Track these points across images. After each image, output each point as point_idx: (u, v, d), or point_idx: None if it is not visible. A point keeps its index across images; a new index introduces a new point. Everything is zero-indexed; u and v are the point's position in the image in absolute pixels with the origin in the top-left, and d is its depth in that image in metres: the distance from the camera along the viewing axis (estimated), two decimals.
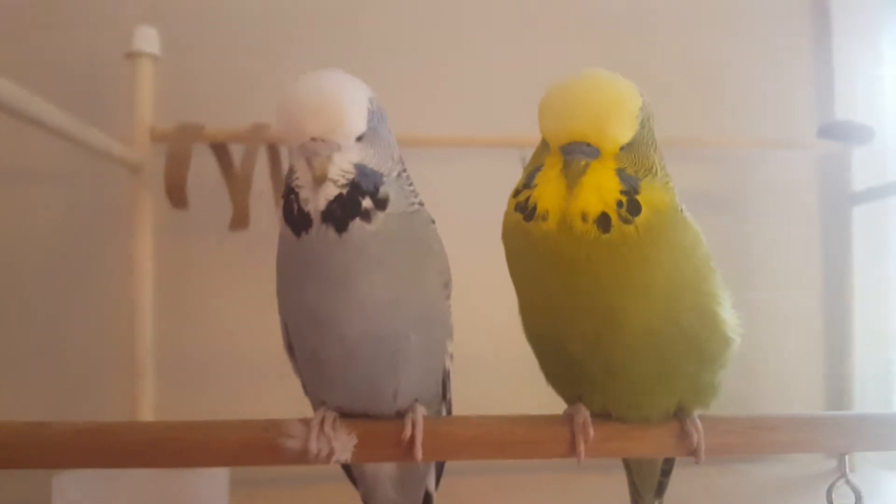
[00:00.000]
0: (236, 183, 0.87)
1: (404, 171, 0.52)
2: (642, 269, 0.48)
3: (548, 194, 0.48)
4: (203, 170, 0.88)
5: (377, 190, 0.48)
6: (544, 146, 0.51)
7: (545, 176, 0.49)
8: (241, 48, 0.95)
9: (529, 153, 0.53)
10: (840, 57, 1.09)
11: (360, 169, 0.48)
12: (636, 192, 0.48)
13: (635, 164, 0.49)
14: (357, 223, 0.47)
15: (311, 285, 0.48)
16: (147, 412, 0.88)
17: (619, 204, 0.48)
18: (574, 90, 0.48)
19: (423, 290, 0.51)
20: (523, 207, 0.49)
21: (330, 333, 0.49)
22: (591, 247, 0.47)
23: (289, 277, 0.50)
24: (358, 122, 0.47)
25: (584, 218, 0.47)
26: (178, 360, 0.93)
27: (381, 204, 0.48)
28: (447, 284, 0.54)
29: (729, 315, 0.52)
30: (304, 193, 0.47)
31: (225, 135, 0.87)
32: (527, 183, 0.50)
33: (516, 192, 0.51)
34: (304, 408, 0.54)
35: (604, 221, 0.47)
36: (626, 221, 0.47)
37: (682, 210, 0.50)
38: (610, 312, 0.48)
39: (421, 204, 0.52)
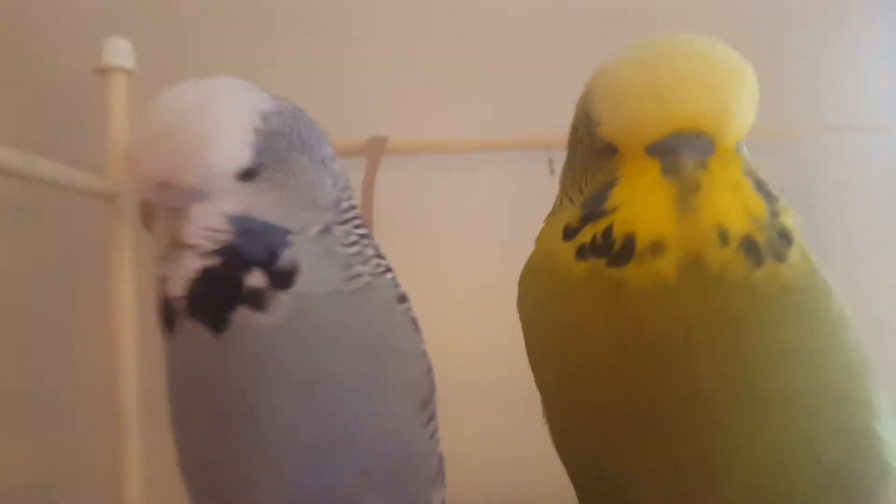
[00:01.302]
0: None
1: (347, 221, 0.36)
2: (782, 350, 0.32)
3: (652, 216, 0.32)
4: None
5: (275, 256, 0.32)
6: (603, 156, 0.36)
7: (632, 191, 0.33)
8: (224, 60, 0.85)
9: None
10: None
11: (243, 225, 0.32)
12: (778, 212, 0.33)
13: (753, 174, 0.35)
14: (242, 314, 0.31)
15: (193, 418, 0.32)
16: (132, 463, 0.78)
17: (766, 225, 0.33)
18: (668, 60, 0.34)
19: (383, 420, 0.34)
20: (604, 245, 0.33)
21: (232, 499, 0.32)
22: (728, 294, 0.31)
23: (171, 405, 0.34)
24: (228, 153, 0.32)
25: (722, 237, 0.32)
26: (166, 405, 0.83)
27: (282, 279, 0.32)
28: (426, 403, 0.36)
29: (891, 431, 0.35)
30: (163, 270, 0.32)
31: None
32: (593, 210, 0.34)
33: (571, 231, 0.35)
34: None
35: (752, 248, 0.32)
36: (778, 257, 0.32)
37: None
38: (713, 432, 0.32)
39: (383, 272, 0.36)
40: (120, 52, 0.78)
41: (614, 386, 0.33)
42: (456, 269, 0.80)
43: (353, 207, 0.37)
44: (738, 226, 0.32)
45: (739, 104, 0.34)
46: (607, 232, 0.33)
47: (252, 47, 0.84)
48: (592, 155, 0.37)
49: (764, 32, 0.91)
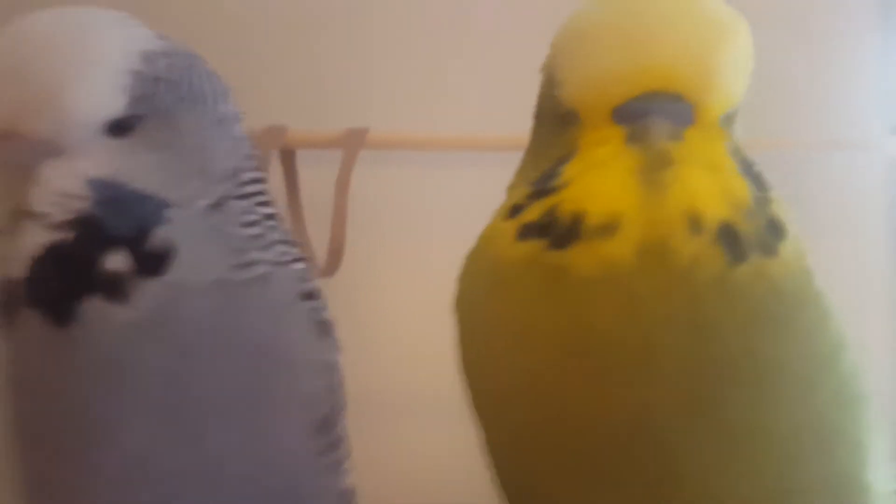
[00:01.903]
0: None
1: (247, 196, 0.30)
2: (765, 368, 0.25)
3: (607, 191, 0.27)
4: None
5: (144, 234, 0.26)
6: (564, 126, 0.30)
7: (588, 163, 0.28)
8: (194, 38, 0.79)
9: None
10: None
11: (106, 192, 0.26)
12: (769, 199, 0.28)
13: (740, 153, 0.30)
14: (94, 305, 0.25)
15: (29, 433, 0.26)
16: None
17: (752, 211, 0.27)
18: (644, 5, 0.28)
19: (262, 446, 0.27)
20: (546, 224, 0.27)
21: None
22: (699, 294, 0.25)
23: (9, 415, 0.28)
24: (93, 98, 0.25)
25: (693, 224, 0.26)
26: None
27: (151, 263, 0.26)
28: (326, 426, 0.30)
29: (881, 481, 0.29)
30: (1, 246, 0.26)
31: None
32: (543, 187, 0.28)
33: (513, 210, 0.29)
34: None
35: (731, 238, 0.26)
36: (767, 250, 0.27)
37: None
38: (672, 472, 0.25)
39: (289, 262, 0.30)
40: None
41: (552, 404, 0.27)
42: (433, 273, 0.75)
43: (259, 181, 0.32)
44: (714, 211, 0.26)
45: (728, 65, 0.28)
46: (552, 209, 0.28)
47: (224, 29, 0.79)
48: (554, 126, 0.31)
49: (755, 45, 0.90)
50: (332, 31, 0.79)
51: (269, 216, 0.32)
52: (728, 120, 0.30)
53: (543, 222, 0.28)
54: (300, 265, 0.33)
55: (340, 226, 0.69)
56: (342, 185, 0.69)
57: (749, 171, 0.29)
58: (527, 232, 0.28)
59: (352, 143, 0.70)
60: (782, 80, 0.90)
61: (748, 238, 0.27)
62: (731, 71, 0.29)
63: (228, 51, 0.80)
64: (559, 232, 0.27)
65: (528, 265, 0.28)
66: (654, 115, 0.27)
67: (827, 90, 0.91)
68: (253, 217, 0.31)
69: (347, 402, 0.33)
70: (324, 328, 0.32)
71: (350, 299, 0.74)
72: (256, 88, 0.78)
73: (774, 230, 0.28)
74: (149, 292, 0.26)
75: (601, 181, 0.27)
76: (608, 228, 0.26)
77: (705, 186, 0.27)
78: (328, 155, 0.71)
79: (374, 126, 0.72)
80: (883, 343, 0.91)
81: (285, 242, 0.32)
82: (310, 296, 0.32)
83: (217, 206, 0.29)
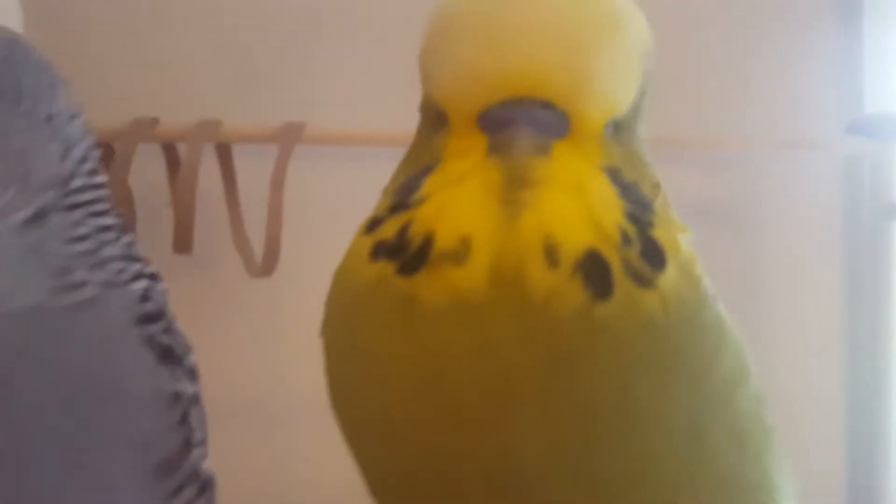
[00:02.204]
0: (177, 194, 0.70)
1: (78, 206, 0.27)
2: (640, 411, 0.23)
3: (460, 211, 0.24)
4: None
5: None
6: (435, 128, 0.27)
7: (448, 177, 0.25)
8: (128, 28, 0.76)
9: None
10: (871, 40, 0.91)
11: None
12: (649, 221, 0.25)
13: (631, 167, 0.27)
14: None
15: None
16: None
17: (625, 235, 0.24)
18: None
19: (90, 493, 0.24)
20: (398, 245, 0.25)
21: None
22: (558, 332, 0.23)
23: None
24: None
25: (550, 254, 0.23)
26: None
27: None
28: (170, 467, 0.27)
29: None
30: None
31: (108, 135, 0.69)
32: (402, 200, 0.26)
33: (372, 224, 0.27)
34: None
35: (594, 271, 0.23)
36: (642, 281, 0.24)
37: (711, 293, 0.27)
38: None
39: (129, 280, 0.27)
40: (8, 16, 0.70)
41: (411, 440, 0.25)
42: None
43: (97, 187, 0.28)
44: (575, 240, 0.24)
45: (612, 67, 0.25)
46: (405, 228, 0.25)
47: (156, 19, 0.76)
48: (429, 125, 0.28)
49: (706, 41, 0.88)
50: (270, 25, 0.77)
51: (106, 228, 0.29)
52: (618, 128, 0.27)
53: (395, 243, 0.25)
54: (142, 283, 0.29)
55: (276, 224, 0.67)
56: (277, 182, 0.67)
57: (629, 190, 0.26)
58: (379, 251, 0.26)
59: (287, 138, 0.67)
60: (738, 79, 0.89)
61: (617, 269, 0.24)
62: (616, 73, 0.25)
63: (166, 45, 0.79)
64: (408, 255, 0.25)
65: (378, 290, 0.25)
66: (517, 124, 0.24)
67: (783, 90, 0.90)
68: (83, 230, 0.28)
69: (207, 436, 0.31)
70: (167, 354, 0.29)
71: (288, 298, 0.73)
72: (191, 82, 0.76)
73: (653, 258, 0.25)
74: None
75: (456, 200, 0.24)
76: (458, 254, 0.24)
77: (568, 211, 0.24)
78: (270, 150, 0.69)
79: (312, 121, 0.70)
80: (837, 339, 0.90)
81: (126, 258, 0.29)
82: (150, 318, 0.29)
83: (37, 219, 0.26)
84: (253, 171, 0.70)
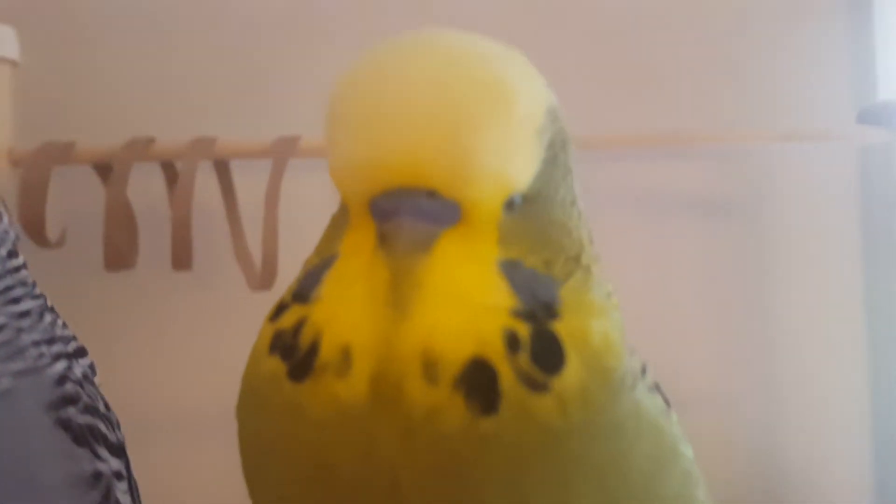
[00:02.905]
0: (174, 210, 0.70)
1: (2, 290, 0.27)
2: None
3: (346, 318, 0.24)
4: (87, 197, 0.71)
5: None
6: (343, 208, 0.27)
7: (340, 275, 0.25)
8: (123, 48, 0.77)
9: None
10: (882, 28, 0.88)
11: None
12: (551, 312, 0.24)
13: (541, 245, 0.25)
14: None
15: None
16: None
17: (512, 340, 0.23)
18: (398, 72, 0.24)
19: None
20: (289, 347, 0.24)
21: None
22: (443, 448, 0.22)
23: None
24: None
25: (428, 370, 0.23)
26: None
27: None
28: None
29: None
30: None
31: (106, 153, 0.70)
32: (302, 290, 0.26)
33: (277, 310, 0.26)
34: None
35: (478, 383, 0.23)
36: (535, 386, 0.23)
37: (640, 375, 0.26)
38: None
39: (48, 364, 0.28)
40: (3, 41, 0.71)
41: None
42: None
43: (14, 271, 0.28)
44: (455, 352, 0.22)
45: (500, 143, 0.23)
46: (300, 326, 0.24)
47: (151, 36, 0.77)
48: (342, 204, 0.27)
49: (713, 32, 0.86)
50: (263, 37, 0.77)
51: (23, 314, 0.29)
52: (527, 200, 0.25)
53: (289, 341, 0.24)
54: (61, 365, 0.29)
55: (272, 238, 0.67)
56: (272, 196, 0.67)
57: (527, 281, 0.24)
58: (276, 346, 0.25)
59: (281, 152, 0.68)
60: (749, 71, 0.87)
61: (506, 377, 0.23)
62: (507, 149, 0.23)
63: (159, 63, 0.79)
64: (297, 359, 0.24)
65: (271, 387, 0.25)
66: (400, 216, 0.23)
67: (794, 81, 0.88)
68: None
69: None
70: (86, 434, 0.29)
71: None
72: (187, 98, 0.77)
73: (548, 359, 0.23)
74: None
75: (344, 305, 0.24)
76: (339, 365, 0.23)
77: (448, 319, 0.23)
78: (266, 164, 0.69)
79: (308, 134, 0.70)
80: (858, 334, 0.88)
81: (46, 342, 0.29)
82: (67, 401, 0.29)
83: None
84: (249, 185, 0.70)
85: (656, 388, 0.27)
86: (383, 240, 0.23)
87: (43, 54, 0.74)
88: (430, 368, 0.22)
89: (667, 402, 0.28)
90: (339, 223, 0.27)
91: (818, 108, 0.87)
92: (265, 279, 0.68)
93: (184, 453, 0.73)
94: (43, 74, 0.75)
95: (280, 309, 0.26)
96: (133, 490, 0.31)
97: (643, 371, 0.27)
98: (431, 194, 0.23)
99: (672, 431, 0.27)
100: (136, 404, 0.74)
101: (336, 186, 0.26)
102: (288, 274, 0.68)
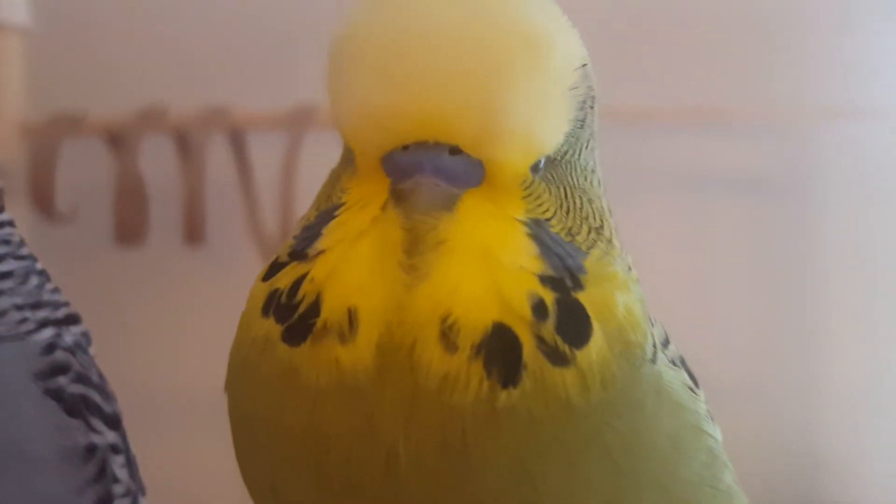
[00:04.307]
0: (186, 183, 0.68)
1: None
2: (566, 498, 0.21)
3: (351, 276, 0.22)
4: (97, 169, 0.69)
5: None
6: (346, 158, 0.25)
7: (345, 230, 0.22)
8: (139, 14, 0.75)
9: None
10: None
11: None
12: (576, 282, 0.22)
13: (564, 212, 0.23)
14: None
15: None
16: None
17: (539, 307, 0.21)
18: (414, 11, 0.21)
19: None
20: (287, 305, 0.22)
21: None
22: (455, 422, 0.21)
23: None
24: None
25: (446, 336, 0.21)
26: None
27: None
28: None
29: None
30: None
31: (117, 124, 0.68)
32: (304, 245, 0.23)
33: (270, 270, 0.24)
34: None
35: (500, 352, 0.21)
36: (558, 359, 0.21)
37: (661, 350, 0.24)
38: None
39: (32, 331, 0.27)
40: (13, 6, 0.68)
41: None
42: None
43: None
44: (476, 318, 0.21)
45: (533, 102, 0.21)
46: (298, 284, 0.22)
47: (165, 3, 0.75)
48: (344, 154, 0.25)
49: (760, 9, 0.83)
50: (278, 3, 0.75)
51: (3, 275, 0.27)
52: (551, 164, 0.23)
53: (285, 300, 0.22)
54: (48, 332, 0.28)
55: (287, 211, 0.65)
56: (288, 171, 0.64)
57: (554, 246, 0.22)
58: (270, 305, 0.23)
59: (298, 123, 0.65)
60: (796, 47, 0.83)
61: (528, 348, 0.21)
62: (539, 109, 0.22)
63: (171, 31, 0.77)
64: (295, 321, 0.22)
65: (264, 351, 0.23)
66: (420, 173, 0.21)
67: (841, 57, 0.84)
68: None
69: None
70: (79, 404, 0.27)
71: None
72: (199, 66, 0.74)
73: (573, 331, 0.21)
74: None
75: (350, 261, 0.22)
76: (343, 329, 0.21)
77: (471, 282, 0.21)
78: (282, 134, 0.67)
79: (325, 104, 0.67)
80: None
81: (31, 306, 0.27)
82: (56, 370, 0.27)
83: None
84: (264, 156, 0.67)
85: (681, 362, 0.26)
86: (399, 197, 0.21)
87: (54, 25, 0.72)
88: (448, 334, 0.21)
89: (693, 378, 0.26)
90: (339, 174, 0.25)
91: (865, 85, 0.84)
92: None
93: (193, 433, 0.70)
94: (57, 42, 0.73)
95: (274, 267, 0.24)
96: (131, 464, 0.29)
97: (665, 343, 0.25)
98: (454, 151, 0.21)
99: (696, 409, 0.25)
100: (145, 382, 0.73)
101: (343, 135, 0.24)
102: None
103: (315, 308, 0.22)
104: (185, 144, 0.68)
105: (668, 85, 0.76)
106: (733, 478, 0.26)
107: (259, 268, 0.69)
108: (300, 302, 0.22)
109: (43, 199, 0.66)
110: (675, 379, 0.24)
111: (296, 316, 0.22)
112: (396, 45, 0.21)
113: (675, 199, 0.77)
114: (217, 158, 0.66)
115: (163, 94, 0.68)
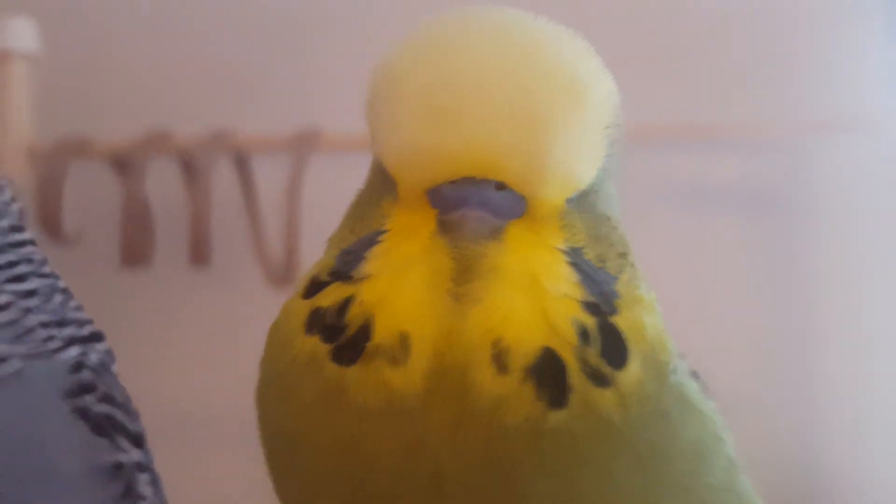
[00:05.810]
0: (192, 205, 0.69)
1: (6, 265, 0.26)
2: None
3: (403, 302, 0.23)
4: (103, 191, 0.70)
5: None
6: (385, 185, 0.25)
7: (393, 256, 0.23)
8: (144, 40, 0.76)
9: None
10: None
11: None
12: (611, 308, 0.24)
13: (594, 240, 0.25)
14: None
15: None
16: None
17: (583, 332, 0.23)
18: (462, 57, 0.23)
19: None
20: (333, 327, 0.23)
21: None
22: (505, 442, 0.22)
23: None
24: None
25: (499, 359, 0.22)
26: None
27: None
28: None
29: None
30: None
31: (123, 147, 0.69)
32: (347, 266, 0.24)
33: (311, 287, 0.25)
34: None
35: (548, 375, 0.22)
36: (600, 381, 0.23)
37: (679, 359, 0.26)
38: None
39: (59, 349, 0.27)
40: (22, 34, 0.70)
41: None
42: None
43: (19, 245, 0.27)
44: (527, 342, 0.22)
45: (574, 143, 0.23)
46: (346, 304, 0.23)
47: (170, 27, 0.75)
48: (380, 179, 0.25)
49: (752, 19, 0.84)
50: (284, 24, 0.76)
51: (29, 293, 0.27)
52: (582, 196, 0.24)
53: (332, 320, 0.23)
54: (74, 350, 0.28)
55: (293, 234, 0.65)
56: (293, 194, 0.65)
57: (591, 272, 0.24)
58: (315, 324, 0.24)
59: (303, 146, 0.66)
60: (790, 61, 0.84)
61: (574, 371, 0.22)
62: (579, 149, 0.23)
63: (177, 55, 0.78)
64: (344, 341, 0.23)
65: (309, 368, 0.23)
66: (469, 206, 0.22)
67: (832, 71, 0.85)
68: (2, 299, 0.26)
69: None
70: (104, 424, 0.27)
71: None
72: (204, 89, 0.75)
73: (614, 354, 0.23)
74: None
75: (401, 288, 0.23)
76: (395, 353, 0.22)
77: (520, 308, 0.22)
78: (285, 157, 0.68)
79: (329, 124, 0.68)
80: None
81: (56, 324, 0.27)
82: (83, 389, 0.27)
83: None
84: (268, 178, 0.68)
85: (695, 374, 0.27)
86: (445, 228, 0.23)
87: (64, 47, 0.73)
88: (500, 357, 0.22)
89: (706, 388, 0.28)
90: (377, 197, 0.25)
91: (859, 98, 0.85)
92: (286, 275, 0.67)
93: (200, 454, 0.71)
94: (64, 68, 0.74)
95: (315, 286, 0.24)
96: (156, 482, 0.30)
97: (682, 355, 0.27)
98: (500, 186, 0.23)
99: (714, 416, 0.26)
100: (151, 403, 0.73)
101: (389, 167, 0.24)
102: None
103: (366, 331, 0.23)
104: (191, 167, 0.69)
105: (663, 101, 0.77)
106: (746, 478, 0.27)
107: (265, 290, 0.69)
108: (349, 323, 0.23)
109: (50, 222, 0.66)
110: (695, 389, 0.26)
111: (346, 337, 0.23)
112: (447, 86, 0.23)
113: (671, 215, 0.78)
114: (222, 181, 0.67)
115: (168, 118, 0.69)
